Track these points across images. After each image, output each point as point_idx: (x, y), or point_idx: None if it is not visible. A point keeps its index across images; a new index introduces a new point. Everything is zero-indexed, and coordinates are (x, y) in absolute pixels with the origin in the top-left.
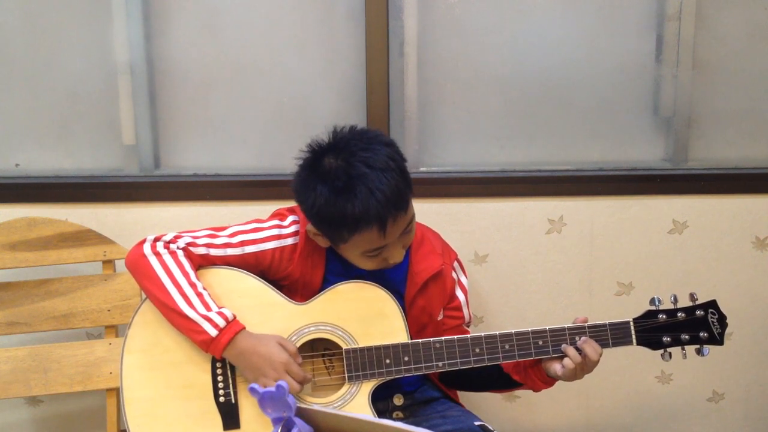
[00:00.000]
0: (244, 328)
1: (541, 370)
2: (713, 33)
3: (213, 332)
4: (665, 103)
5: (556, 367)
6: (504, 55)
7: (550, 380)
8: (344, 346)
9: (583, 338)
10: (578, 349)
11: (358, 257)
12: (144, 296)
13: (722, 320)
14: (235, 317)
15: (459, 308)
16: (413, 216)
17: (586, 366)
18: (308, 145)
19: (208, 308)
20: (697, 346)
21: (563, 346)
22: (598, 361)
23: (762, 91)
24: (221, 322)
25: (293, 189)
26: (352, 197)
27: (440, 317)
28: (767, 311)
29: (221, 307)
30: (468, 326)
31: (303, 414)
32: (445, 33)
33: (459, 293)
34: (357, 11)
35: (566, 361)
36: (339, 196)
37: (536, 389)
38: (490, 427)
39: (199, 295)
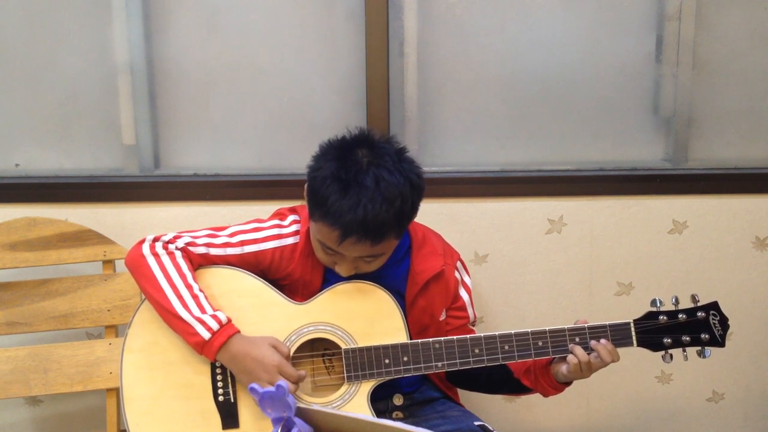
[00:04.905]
0: (238, 331)
1: (550, 375)
2: (713, 33)
3: (206, 335)
4: (665, 103)
5: (562, 369)
6: (504, 56)
7: (559, 386)
8: (343, 346)
9: (603, 340)
10: (587, 349)
11: (316, 241)
12: (144, 296)
13: (724, 322)
14: (229, 320)
15: (463, 308)
16: (382, 255)
17: (593, 366)
18: (364, 128)
19: (203, 310)
20: (699, 348)
21: (571, 345)
22: (609, 363)
23: (762, 91)
24: (215, 326)
25: (320, 144)
26: (342, 194)
27: (443, 317)
28: (767, 311)
29: (216, 310)
30: (473, 325)
31: (303, 414)
32: (445, 33)
33: (463, 293)
34: (357, 11)
35: (570, 357)
36: (335, 183)
37: (546, 395)
38: (490, 427)
39: (195, 297)
